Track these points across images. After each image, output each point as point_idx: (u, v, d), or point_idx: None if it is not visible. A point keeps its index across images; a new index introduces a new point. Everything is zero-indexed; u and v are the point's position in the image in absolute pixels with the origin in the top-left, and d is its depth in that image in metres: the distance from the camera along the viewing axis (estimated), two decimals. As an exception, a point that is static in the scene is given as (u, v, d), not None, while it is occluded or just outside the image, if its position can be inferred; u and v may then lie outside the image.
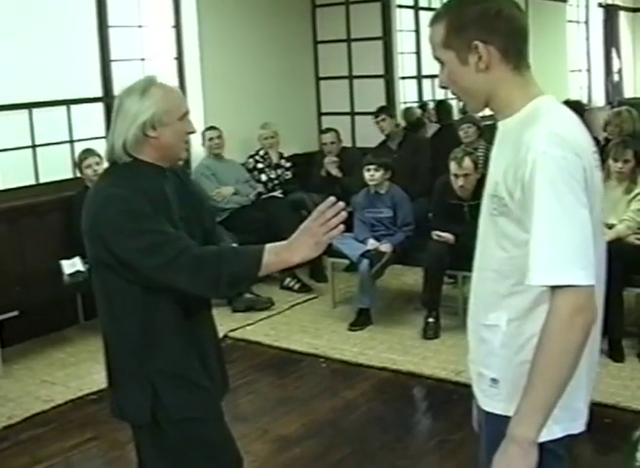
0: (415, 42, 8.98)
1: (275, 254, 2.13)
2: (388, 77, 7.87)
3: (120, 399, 2.34)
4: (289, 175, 7.07)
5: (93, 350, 5.00)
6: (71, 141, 6.02)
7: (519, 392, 1.72)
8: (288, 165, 7.09)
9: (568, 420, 1.81)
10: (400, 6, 8.43)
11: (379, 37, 7.82)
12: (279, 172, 7.02)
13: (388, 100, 7.77)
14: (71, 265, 5.39)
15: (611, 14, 13.24)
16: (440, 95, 9.15)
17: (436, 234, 5.31)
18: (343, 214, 2.12)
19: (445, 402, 4.38)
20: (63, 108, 6.00)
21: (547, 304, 1.69)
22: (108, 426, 3.94)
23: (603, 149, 5.30)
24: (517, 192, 1.73)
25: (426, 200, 6.07)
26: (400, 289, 6.36)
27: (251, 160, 7.01)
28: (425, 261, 5.36)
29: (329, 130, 7.30)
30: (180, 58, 6.84)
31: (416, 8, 8.98)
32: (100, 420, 4.13)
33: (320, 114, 8.21)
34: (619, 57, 13.35)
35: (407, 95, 8.77)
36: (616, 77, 13.32)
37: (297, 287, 6.33)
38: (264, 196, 6.76)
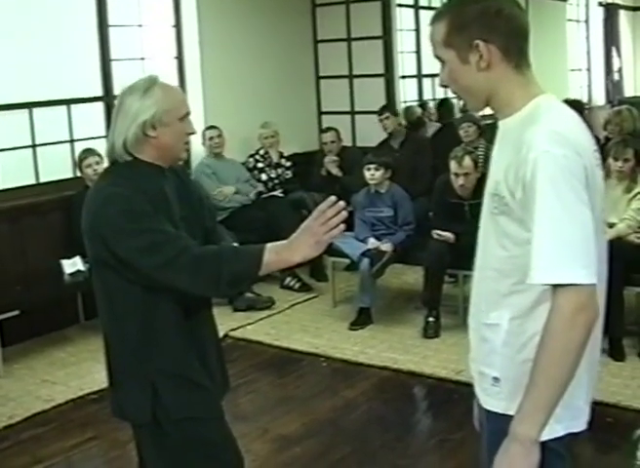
0: (415, 41, 8.98)
1: (276, 254, 2.13)
2: (388, 76, 7.88)
3: (120, 398, 2.34)
4: (289, 174, 7.07)
5: (93, 349, 5.00)
6: (71, 141, 6.02)
7: (520, 391, 1.72)
8: (288, 164, 7.09)
9: (569, 419, 1.81)
10: (400, 5, 8.42)
11: (379, 36, 7.82)
12: (279, 171, 7.02)
13: (389, 100, 7.77)
14: (72, 265, 5.39)
15: (611, 12, 13.24)
16: (440, 94, 9.15)
17: (436, 233, 5.31)
18: (344, 214, 2.12)
19: (445, 401, 4.38)
20: (64, 108, 6.00)
21: (549, 303, 1.69)
22: (109, 426, 3.94)
23: (603, 148, 5.29)
24: (518, 191, 1.73)
25: (427, 199, 6.07)
26: (400, 288, 6.36)
27: (251, 159, 7.01)
28: (426, 260, 5.36)
29: (329, 129, 7.30)
30: (180, 58, 6.84)
31: (416, 7, 8.97)
32: (101, 420, 4.13)
33: (320, 113, 8.21)
34: (619, 55, 13.35)
35: (407, 94, 8.76)
36: (616, 76, 13.32)
37: (297, 286, 6.33)
38: (265, 195, 6.76)
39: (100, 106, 6.25)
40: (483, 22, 1.77)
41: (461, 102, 7.84)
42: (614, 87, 13.22)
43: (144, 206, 2.16)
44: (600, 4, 12.94)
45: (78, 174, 5.79)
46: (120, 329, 2.28)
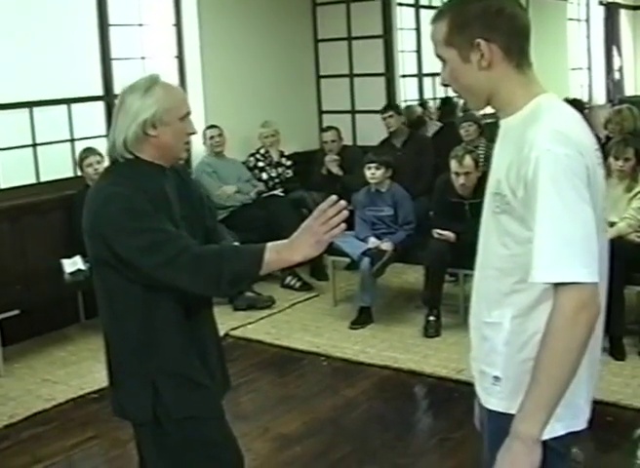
0: (415, 40, 8.98)
1: (276, 253, 2.13)
2: (389, 75, 7.87)
3: (121, 397, 2.34)
4: (289, 173, 7.07)
5: (94, 349, 5.00)
6: (72, 140, 6.02)
7: (521, 390, 1.72)
8: (288, 163, 7.09)
9: (569, 418, 1.81)
10: (400, 4, 8.43)
11: (379, 35, 7.82)
12: (280, 170, 7.02)
13: (389, 99, 7.77)
14: (72, 264, 5.39)
15: (611, 11, 13.24)
16: (441, 93, 9.15)
17: (437, 232, 5.31)
18: (345, 213, 2.12)
19: (446, 400, 4.38)
20: (64, 107, 6.00)
21: (549, 302, 1.69)
22: (109, 425, 3.94)
23: (604, 147, 5.29)
24: (520, 190, 1.73)
25: (427, 198, 6.07)
26: (401, 287, 6.36)
27: (251, 158, 7.01)
28: (426, 259, 5.36)
29: (329, 128, 7.30)
30: (180, 57, 6.84)
31: (416, 6, 8.98)
32: (102, 419, 4.13)
33: (321, 112, 8.21)
34: (619, 54, 13.35)
35: (407, 93, 8.76)
36: (616, 75, 13.32)
37: (298, 285, 6.33)
38: (265, 194, 6.76)
39: (100, 106, 6.25)
40: (484, 21, 1.77)
41: (461, 101, 7.87)
42: (614, 86, 13.22)
43: (145, 205, 2.16)
44: (601, 3, 12.94)
45: (78, 173, 5.79)
46: (120, 328, 2.28)
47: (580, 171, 1.69)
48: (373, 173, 5.67)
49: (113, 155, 2.27)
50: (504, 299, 1.83)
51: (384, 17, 7.78)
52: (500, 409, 1.85)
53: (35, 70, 5.75)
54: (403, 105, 8.24)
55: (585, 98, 11.74)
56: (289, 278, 6.33)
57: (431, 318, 5.30)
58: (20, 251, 5.48)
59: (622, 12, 13.63)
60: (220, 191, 6.45)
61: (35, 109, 5.78)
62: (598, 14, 12.97)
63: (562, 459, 1.84)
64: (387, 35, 7.81)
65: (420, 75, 9.09)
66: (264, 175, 6.95)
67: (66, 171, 5.99)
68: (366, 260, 5.50)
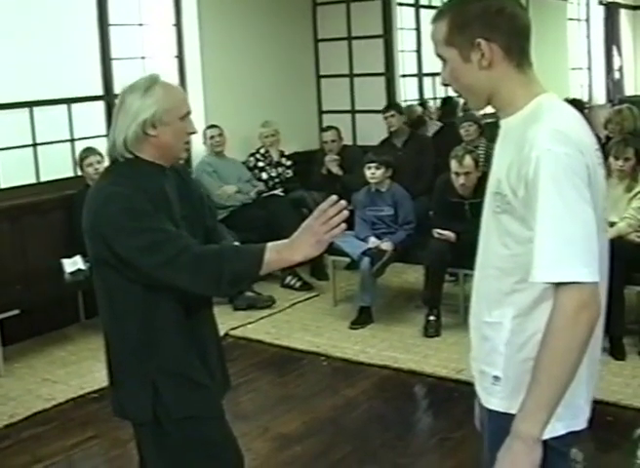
0: (415, 40, 8.98)
1: (277, 253, 2.13)
2: (389, 75, 7.87)
3: (121, 397, 2.34)
4: (289, 173, 7.07)
5: (94, 348, 5.00)
6: (72, 140, 6.02)
7: (521, 389, 1.72)
8: (289, 163, 7.09)
9: (569, 417, 1.81)
10: (401, 4, 8.43)
11: (379, 35, 7.82)
12: (280, 170, 7.02)
13: (389, 98, 7.77)
14: (72, 264, 5.39)
15: (611, 11, 13.24)
16: (441, 92, 9.15)
17: (437, 232, 5.31)
18: (345, 213, 2.12)
19: (446, 400, 4.38)
20: (64, 107, 6.00)
21: (549, 301, 1.69)
22: (109, 424, 3.94)
23: (604, 147, 5.29)
24: (521, 190, 1.73)
25: (427, 198, 6.07)
26: (401, 287, 6.36)
27: (251, 158, 7.01)
28: (426, 259, 5.36)
29: (329, 128, 7.30)
30: (180, 57, 6.84)
31: (416, 6, 8.98)
32: (102, 419, 4.13)
33: (321, 112, 8.21)
34: (619, 54, 13.35)
35: (408, 93, 8.76)
36: (616, 75, 13.32)
37: (298, 285, 6.33)
38: (265, 194, 6.76)
39: (100, 105, 6.25)
40: (485, 21, 1.77)
41: (461, 101, 7.87)
42: (614, 86, 13.22)
43: (145, 205, 2.16)
44: (601, 3, 12.94)
45: (79, 172, 5.79)
46: (120, 327, 2.28)
47: (581, 170, 1.69)
48: (373, 172, 5.67)
49: (113, 155, 2.27)
50: (505, 299, 1.83)
51: (384, 16, 7.78)
52: (501, 409, 1.85)
53: (35, 70, 5.74)
54: (403, 105, 8.24)
55: (585, 98, 11.74)
56: (289, 278, 6.33)
57: (431, 318, 5.30)
58: (20, 250, 5.48)
59: (622, 11, 13.64)
60: (220, 191, 6.46)
61: (35, 109, 5.78)
62: (598, 13, 12.97)
63: (562, 459, 1.84)
64: (387, 35, 7.81)
65: (420, 75, 9.09)
66: (264, 175, 6.95)
67: (66, 170, 5.99)
68: (366, 260, 5.50)
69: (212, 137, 6.63)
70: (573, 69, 12.44)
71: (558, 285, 1.65)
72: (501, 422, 1.80)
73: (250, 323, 5.65)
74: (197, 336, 2.32)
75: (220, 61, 6.96)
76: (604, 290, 1.81)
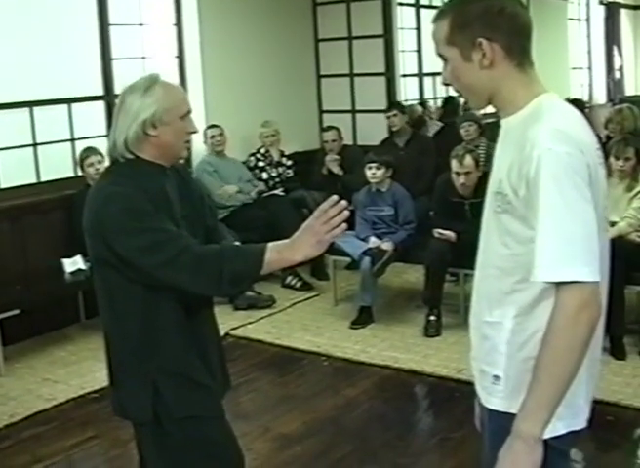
0: (416, 40, 8.98)
1: (277, 253, 2.13)
2: (389, 75, 7.87)
3: (121, 397, 2.34)
4: (290, 173, 7.07)
5: (94, 348, 5.00)
6: (72, 140, 6.02)
7: (522, 389, 1.72)
8: (289, 163, 7.09)
9: (570, 417, 1.81)
10: (401, 4, 8.42)
11: (380, 35, 7.81)
12: (280, 170, 7.02)
13: (389, 98, 7.77)
14: (73, 263, 5.39)
15: (612, 11, 13.24)
16: (441, 92, 9.15)
17: (438, 232, 5.31)
18: (346, 213, 2.12)
19: (446, 400, 4.38)
20: (64, 107, 6.00)
21: (549, 301, 1.70)
22: (110, 424, 3.94)
23: (604, 147, 5.29)
24: (522, 189, 1.73)
25: (428, 198, 6.07)
26: (401, 286, 6.35)
27: (252, 158, 7.01)
28: (427, 259, 5.36)
29: (330, 128, 7.30)
30: (181, 57, 6.83)
31: (417, 5, 8.98)
32: (102, 419, 4.13)
33: (321, 112, 8.21)
34: (620, 54, 13.35)
35: (408, 92, 8.76)
36: (617, 75, 13.31)
37: (298, 285, 6.33)
38: (265, 194, 6.76)
39: (100, 105, 6.25)
40: (486, 21, 1.77)
41: (462, 100, 7.87)
42: (615, 85, 13.22)
43: (145, 204, 2.16)
44: (601, 2, 12.94)
45: (79, 172, 5.79)
46: (121, 327, 2.28)
47: (582, 169, 1.69)
48: (373, 172, 5.67)
49: (114, 155, 2.27)
50: (505, 299, 1.82)
51: (385, 16, 7.78)
52: (501, 409, 1.85)
53: (35, 70, 5.74)
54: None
55: (586, 98, 11.74)
56: (289, 277, 6.33)
57: (432, 317, 5.30)
58: (20, 250, 5.48)
59: (623, 11, 13.63)
60: (221, 190, 6.46)
61: (35, 109, 5.78)
62: (598, 13, 12.97)
63: (563, 458, 1.84)
64: (388, 35, 7.80)
65: (420, 75, 9.09)
66: (265, 175, 6.95)
67: (67, 170, 5.99)
68: (366, 260, 5.50)
69: (212, 137, 6.63)
70: (573, 69, 12.44)
71: (559, 284, 1.65)
72: (502, 422, 1.80)
73: (250, 323, 5.65)
74: (198, 336, 2.32)
75: (220, 61, 6.96)
76: (604, 289, 1.81)
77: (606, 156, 4.73)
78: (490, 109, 1.96)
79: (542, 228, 1.67)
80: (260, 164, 6.98)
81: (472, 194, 5.18)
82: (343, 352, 5.06)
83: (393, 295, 6.15)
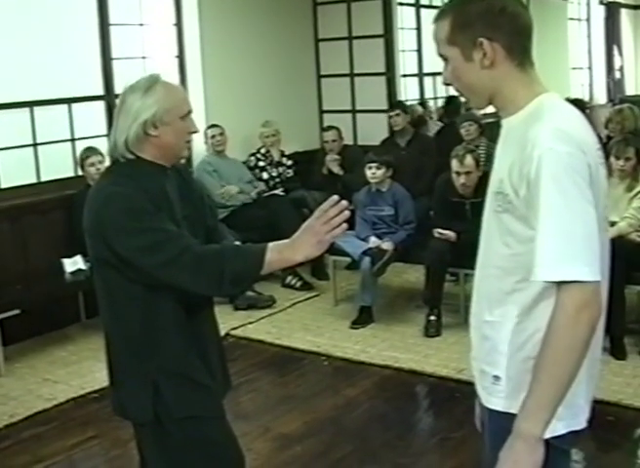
0: (416, 40, 8.98)
1: (278, 253, 2.13)
2: (390, 75, 7.87)
3: (122, 397, 2.34)
4: (290, 172, 7.07)
5: (94, 348, 5.00)
6: (72, 140, 6.02)
7: (522, 389, 1.72)
8: (289, 163, 7.10)
9: (570, 417, 1.80)
10: (401, 4, 8.42)
11: (380, 35, 7.81)
12: (280, 170, 7.02)
13: (390, 98, 7.77)
14: (73, 263, 5.39)
15: (612, 11, 13.24)
16: (442, 92, 9.15)
17: (438, 232, 5.31)
18: (346, 213, 2.11)
19: (447, 400, 4.38)
20: (65, 107, 6.00)
21: (549, 301, 1.70)
22: (110, 424, 3.95)
23: (605, 147, 5.29)
24: (522, 189, 1.73)
25: (428, 198, 6.07)
26: (402, 286, 6.35)
27: (252, 158, 7.01)
28: (427, 259, 5.36)
29: (330, 127, 7.30)
30: (181, 57, 6.83)
31: (417, 5, 8.97)
32: (102, 419, 4.13)
33: (321, 112, 8.20)
34: (620, 54, 13.35)
35: (408, 92, 8.76)
36: (617, 74, 13.31)
37: (298, 285, 6.33)
38: (266, 194, 6.75)
39: (100, 105, 6.24)
40: (487, 20, 1.77)
41: (462, 99, 7.87)
42: (615, 85, 13.22)
43: (146, 204, 2.16)
44: (601, 2, 12.94)
45: (79, 172, 5.79)
46: (121, 327, 2.28)
47: (583, 169, 1.69)
48: (373, 172, 5.67)
49: (114, 155, 2.27)
50: (506, 298, 1.82)
51: (385, 16, 7.77)
52: (501, 409, 1.84)
53: (35, 70, 5.74)
54: (405, 105, 8.24)
55: (586, 98, 11.73)
56: (289, 277, 6.33)
57: (432, 317, 5.30)
58: (20, 250, 5.48)
59: (623, 11, 13.63)
60: (223, 190, 6.46)
61: (36, 109, 5.77)
62: (599, 13, 12.96)
63: (564, 458, 1.84)
64: (388, 35, 7.80)
65: (420, 75, 9.08)
66: (265, 175, 6.95)
67: (67, 170, 5.99)
68: (367, 260, 5.50)
69: (213, 137, 6.63)
70: (573, 69, 12.43)
71: (559, 284, 1.65)
72: (502, 422, 1.79)
73: (250, 323, 5.65)
74: (198, 336, 2.32)
75: (220, 61, 6.96)
76: (605, 289, 1.81)
77: (606, 156, 4.74)
78: (490, 109, 1.96)
79: (543, 228, 1.67)
80: (261, 164, 6.99)
81: (472, 194, 5.18)
82: (344, 352, 5.06)
83: (393, 295, 6.15)
